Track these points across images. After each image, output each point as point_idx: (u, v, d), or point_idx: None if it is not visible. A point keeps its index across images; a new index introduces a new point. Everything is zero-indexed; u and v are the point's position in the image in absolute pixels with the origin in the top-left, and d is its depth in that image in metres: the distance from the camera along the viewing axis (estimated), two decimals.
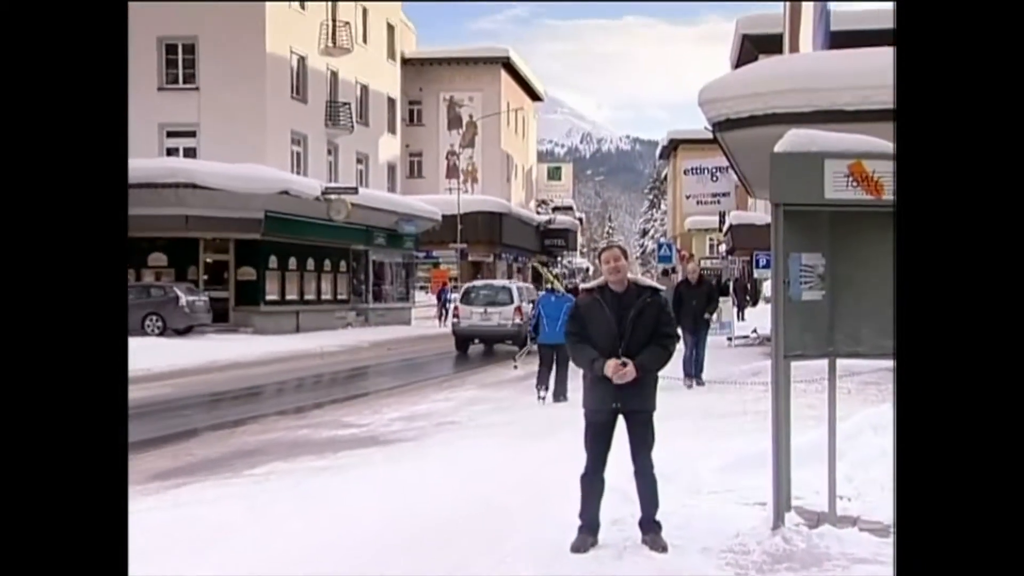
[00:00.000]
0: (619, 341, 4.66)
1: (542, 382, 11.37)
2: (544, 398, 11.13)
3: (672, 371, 10.43)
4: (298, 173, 30.96)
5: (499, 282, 22.23)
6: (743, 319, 28.17)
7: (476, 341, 19.63)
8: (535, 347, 11.46)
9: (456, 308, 20.39)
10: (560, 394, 11.12)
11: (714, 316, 13.14)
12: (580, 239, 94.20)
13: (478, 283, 21.66)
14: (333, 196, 27.36)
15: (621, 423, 4.77)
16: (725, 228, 45.15)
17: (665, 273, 26.05)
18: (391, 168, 43.39)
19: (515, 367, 14.71)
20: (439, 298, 35.35)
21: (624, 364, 4.59)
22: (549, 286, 15.45)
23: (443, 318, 33.84)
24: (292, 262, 27.23)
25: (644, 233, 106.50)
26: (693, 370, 12.06)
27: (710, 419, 9.33)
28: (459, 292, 21.42)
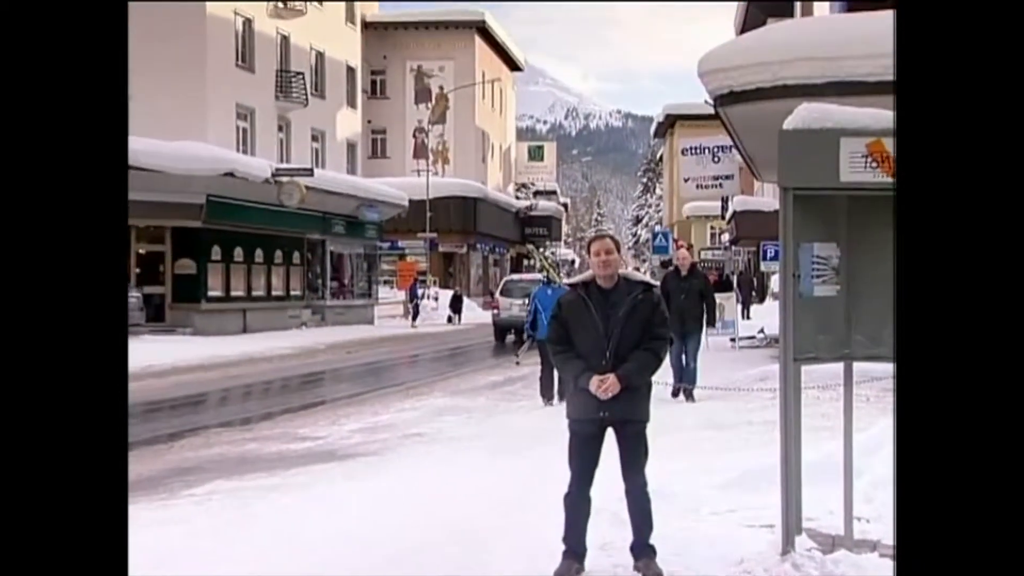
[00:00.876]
0: (606, 344, 4.67)
1: (546, 388, 11.43)
2: (552, 404, 11.18)
3: (667, 376, 10.47)
4: (244, 152, 30.82)
5: (536, 275, 28.84)
6: (748, 317, 28.36)
7: (513, 331, 23.80)
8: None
9: (496, 300, 25.33)
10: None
11: (713, 317, 12.95)
12: (565, 227, 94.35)
13: (515, 277, 28.81)
14: (285, 178, 27.18)
15: (610, 435, 4.77)
16: (728, 215, 45.37)
17: (664, 265, 26.08)
18: (351, 147, 43.27)
19: (517, 363, 15.75)
20: (409, 295, 35.26)
21: (609, 377, 4.60)
22: (545, 276, 15.86)
23: (414, 317, 33.77)
24: (238, 253, 27.03)
25: (637, 221, 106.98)
26: (678, 380, 11.34)
27: (711, 430, 9.37)
28: (498, 285, 28.10)
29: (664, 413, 9.83)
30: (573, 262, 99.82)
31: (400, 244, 43.51)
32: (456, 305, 35.65)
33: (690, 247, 69.60)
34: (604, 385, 4.60)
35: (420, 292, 36.13)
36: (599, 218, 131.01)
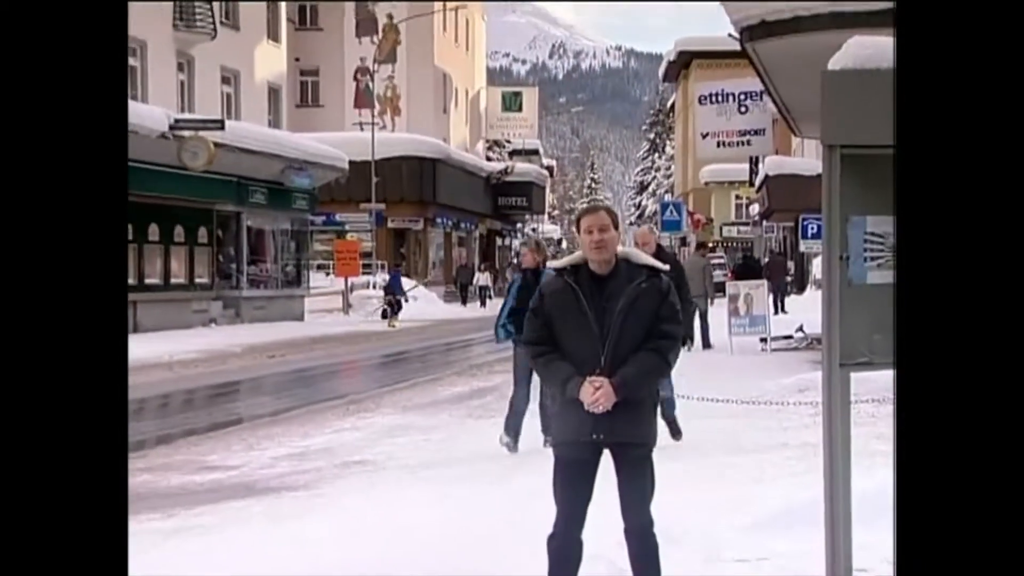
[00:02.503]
0: (601, 346, 4.67)
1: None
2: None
3: (677, 385, 10.51)
4: (133, 98, 30.53)
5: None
6: (782, 311, 28.52)
7: None
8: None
9: None
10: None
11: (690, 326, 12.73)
12: (549, 197, 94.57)
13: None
14: (187, 133, 26.98)
15: (607, 462, 4.79)
16: (758, 181, 45.63)
17: (701, 247, 25.97)
18: (273, 92, 43.06)
19: None
20: (389, 288, 34.75)
21: (603, 384, 4.62)
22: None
23: (395, 314, 33.44)
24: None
25: (642, 188, 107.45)
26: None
27: (735, 455, 9.42)
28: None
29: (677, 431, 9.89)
30: (559, 241, 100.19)
31: (338, 218, 43.52)
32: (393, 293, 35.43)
33: (709, 221, 70.15)
34: (596, 394, 4.60)
35: (403, 286, 35.97)
36: (593, 185, 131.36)
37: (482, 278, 47.56)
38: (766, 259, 38.57)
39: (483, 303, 44.50)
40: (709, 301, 21.16)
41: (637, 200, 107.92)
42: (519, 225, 72.76)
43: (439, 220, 50.26)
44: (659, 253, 10.78)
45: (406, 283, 38.17)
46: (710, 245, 38.93)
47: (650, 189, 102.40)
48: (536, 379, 9.45)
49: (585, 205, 5.19)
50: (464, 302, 46.28)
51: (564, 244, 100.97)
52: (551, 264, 5.14)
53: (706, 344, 20.81)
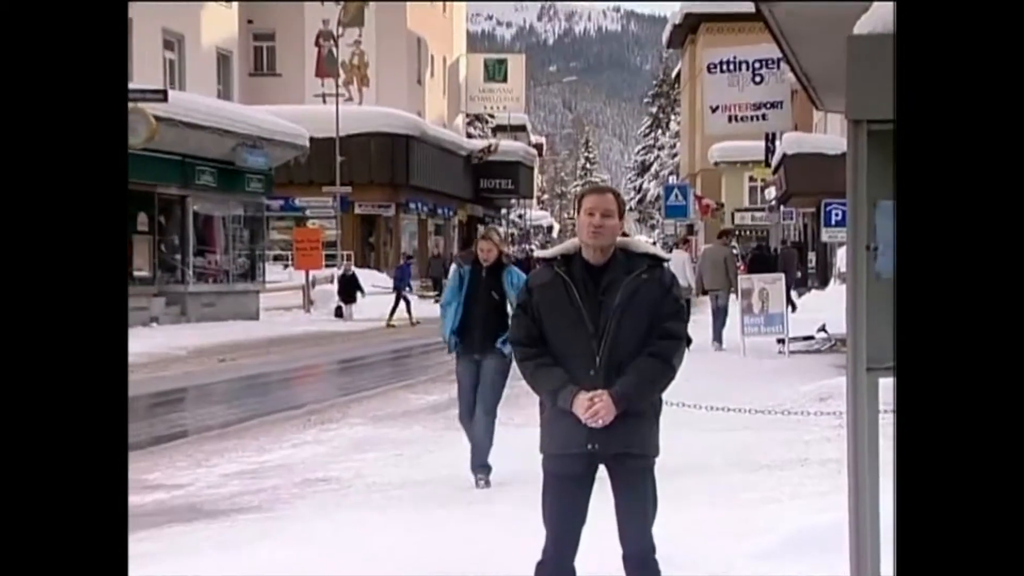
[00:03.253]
0: (596, 346, 4.69)
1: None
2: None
3: (682, 392, 10.54)
4: None
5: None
6: (791, 308, 28.42)
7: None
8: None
9: None
10: None
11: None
12: (538, 179, 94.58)
13: None
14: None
15: (602, 478, 4.80)
16: (775, 161, 45.68)
17: (724, 234, 25.89)
18: (223, 59, 43.01)
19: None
20: (399, 284, 34.40)
21: (601, 396, 4.64)
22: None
23: (406, 311, 33.10)
24: None
25: (643, 169, 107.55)
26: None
27: (748, 471, 9.45)
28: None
29: (681, 444, 9.88)
30: (549, 229, 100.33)
31: (298, 203, 43.38)
32: (349, 290, 35.30)
33: (719, 207, 70.44)
34: (594, 407, 4.61)
35: (410, 281, 35.74)
36: (587, 166, 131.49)
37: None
38: (778, 250, 38.54)
39: None
40: (732, 294, 21.26)
41: (637, 183, 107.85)
42: (504, 211, 72.75)
43: (413, 205, 50.23)
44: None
45: (371, 277, 38.16)
46: (733, 231, 38.76)
47: (652, 170, 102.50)
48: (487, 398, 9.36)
49: (585, 186, 5.20)
50: (438, 298, 46.22)
51: (556, 232, 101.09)
52: (539, 254, 5.14)
53: (716, 337, 20.88)
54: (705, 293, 22.15)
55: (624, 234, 5.02)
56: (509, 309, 8.57)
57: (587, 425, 4.66)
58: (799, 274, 32.13)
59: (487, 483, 9.33)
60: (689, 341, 5.06)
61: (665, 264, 4.91)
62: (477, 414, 9.34)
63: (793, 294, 30.47)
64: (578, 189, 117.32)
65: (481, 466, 9.40)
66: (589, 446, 4.70)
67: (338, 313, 34.96)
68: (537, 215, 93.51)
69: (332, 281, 38.03)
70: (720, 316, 21.38)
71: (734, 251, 25.41)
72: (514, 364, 5.41)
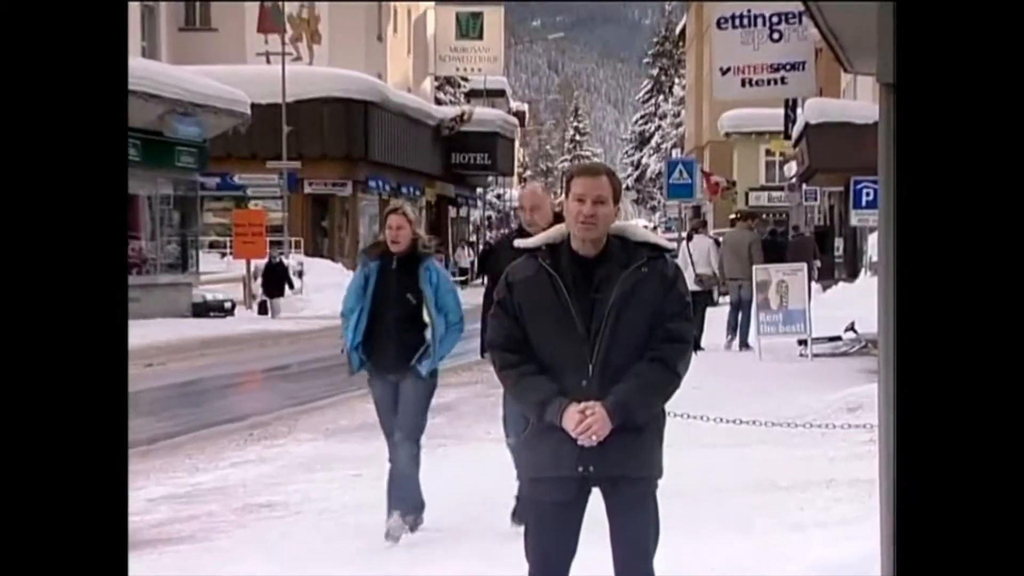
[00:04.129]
0: (589, 351, 4.68)
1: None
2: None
3: (688, 402, 10.57)
4: None
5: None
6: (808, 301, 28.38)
7: None
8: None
9: None
10: None
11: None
12: (519, 153, 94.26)
13: None
14: None
15: (595, 503, 4.80)
16: (796, 132, 45.74)
17: (748, 218, 25.72)
18: (148, 11, 42.74)
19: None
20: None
21: (594, 408, 4.63)
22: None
23: None
24: None
25: (642, 141, 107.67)
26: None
27: (765, 493, 9.47)
28: None
29: (687, 463, 9.86)
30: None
31: (237, 180, 43.24)
32: (276, 282, 35.09)
33: (731, 185, 70.10)
34: (586, 421, 4.61)
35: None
36: (577, 137, 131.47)
37: None
38: (791, 235, 38.47)
39: None
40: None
41: (635, 157, 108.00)
42: (479, 191, 72.71)
43: (373, 184, 50.14)
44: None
45: (323, 268, 38.02)
46: (755, 214, 38.61)
47: (653, 142, 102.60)
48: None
49: (582, 163, 5.15)
50: None
51: None
52: (520, 242, 5.07)
53: (743, 342, 20.95)
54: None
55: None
56: (427, 316, 8.30)
57: (577, 444, 4.65)
58: (818, 265, 31.97)
59: (412, 527, 8.49)
60: (697, 345, 5.07)
61: (668, 255, 4.88)
62: (397, 440, 8.54)
63: (816, 287, 30.45)
64: (566, 165, 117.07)
65: (404, 508, 8.50)
66: (580, 468, 4.69)
67: (262, 310, 34.65)
68: (517, 194, 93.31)
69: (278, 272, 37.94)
70: (744, 311, 21.43)
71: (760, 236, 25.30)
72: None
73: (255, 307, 36.02)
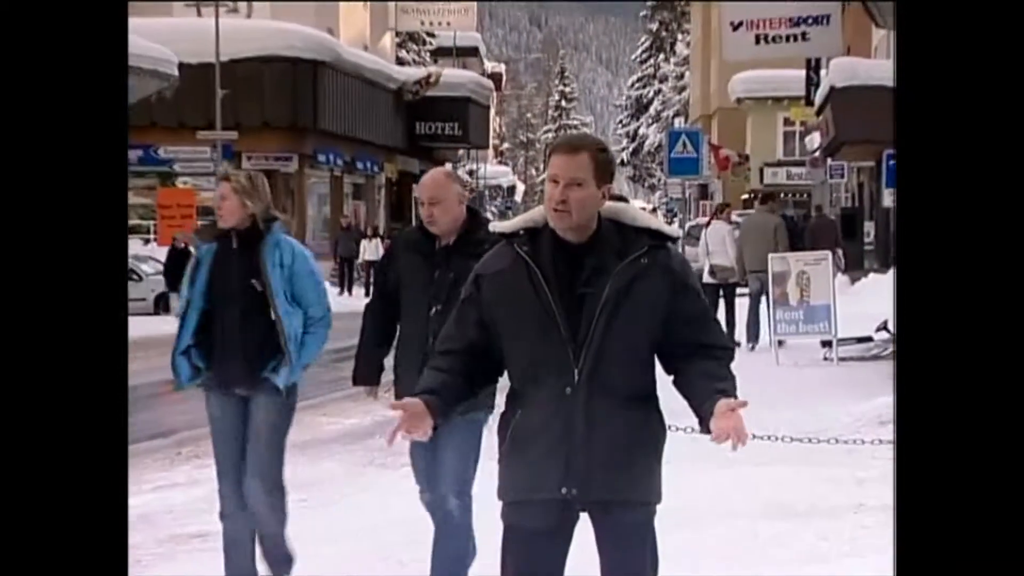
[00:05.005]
0: (575, 357, 4.69)
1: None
2: None
3: (688, 411, 10.59)
4: None
5: None
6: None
7: None
8: None
9: None
10: None
11: None
12: (495, 122, 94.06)
13: None
14: None
15: (583, 529, 4.82)
16: (819, 97, 45.79)
17: (769, 199, 25.55)
18: None
19: None
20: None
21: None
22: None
23: None
24: None
25: (639, 108, 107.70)
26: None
27: (782, 520, 9.49)
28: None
29: (692, 484, 9.87)
30: (511, 190, 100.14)
31: (162, 154, 43.16)
32: (179, 272, 34.46)
33: (743, 160, 70.16)
34: (738, 423, 4.72)
35: None
36: (563, 104, 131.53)
37: (370, 249, 44.94)
38: (811, 221, 38.42)
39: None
40: None
41: (631, 127, 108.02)
42: (448, 165, 72.55)
43: (323, 158, 50.07)
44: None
45: None
46: (778, 195, 38.58)
47: (651, 110, 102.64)
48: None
49: (563, 136, 5.12)
50: (346, 287, 44.50)
51: (520, 195, 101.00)
52: (495, 226, 5.05)
53: (753, 336, 21.04)
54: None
55: (620, 198, 5.00)
56: (281, 309, 7.44)
57: (561, 463, 4.68)
58: (842, 253, 31.94)
59: None
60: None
61: (672, 244, 4.86)
62: (248, 484, 7.77)
63: (843, 279, 30.46)
64: (550, 137, 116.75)
65: (276, 561, 8.07)
66: (564, 490, 4.71)
67: (159, 305, 33.68)
68: (495, 172, 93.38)
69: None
70: (752, 304, 21.50)
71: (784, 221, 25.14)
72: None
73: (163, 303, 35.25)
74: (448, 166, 59.29)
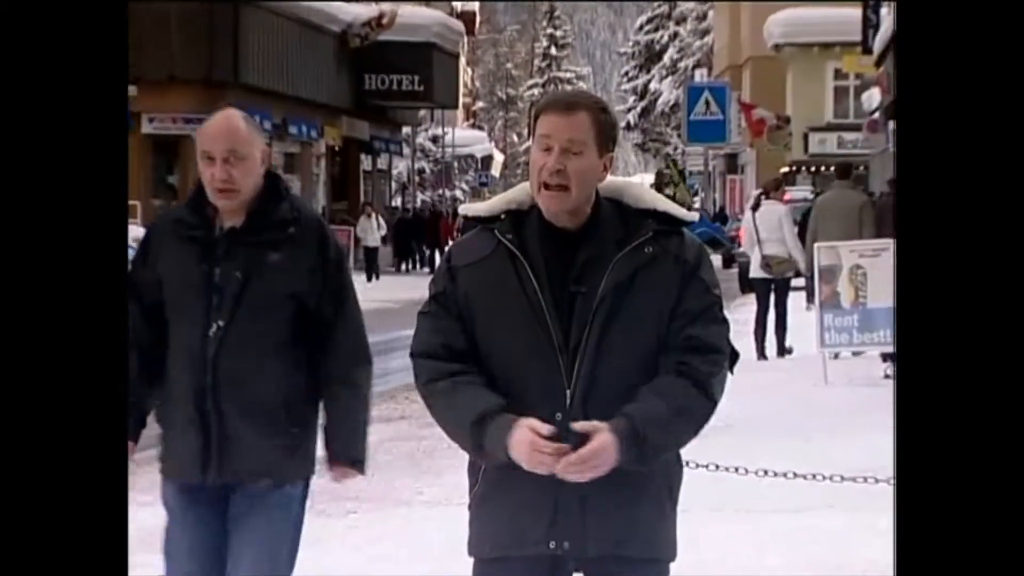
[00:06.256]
0: (567, 369, 4.72)
1: None
2: None
3: (716, 443, 10.64)
4: None
5: None
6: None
7: None
8: None
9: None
10: None
11: None
12: (466, 75, 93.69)
13: None
14: None
15: None
16: (879, 44, 45.92)
17: (846, 172, 25.34)
18: None
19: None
20: None
21: (572, 438, 4.63)
22: (669, 194, 16.10)
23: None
24: None
25: (650, 58, 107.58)
26: None
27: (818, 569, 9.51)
28: None
29: (716, 537, 9.88)
30: (486, 162, 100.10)
31: None
32: None
33: (782, 124, 70.57)
34: (583, 450, 4.59)
35: None
36: (554, 51, 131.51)
37: None
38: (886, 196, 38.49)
39: None
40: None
41: (640, 81, 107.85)
42: (406, 131, 72.59)
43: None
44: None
45: None
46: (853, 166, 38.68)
47: (666, 59, 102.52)
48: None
49: (555, 92, 5.09)
50: None
51: (498, 169, 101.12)
52: (466, 209, 5.03)
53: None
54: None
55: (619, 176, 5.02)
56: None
57: (549, 508, 4.70)
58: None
59: None
60: (735, 358, 4.95)
61: (686, 229, 4.89)
62: None
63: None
64: (536, 95, 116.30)
65: None
66: (553, 544, 4.75)
67: None
68: (466, 138, 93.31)
69: None
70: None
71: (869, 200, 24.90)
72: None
73: None
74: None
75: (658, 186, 28.39)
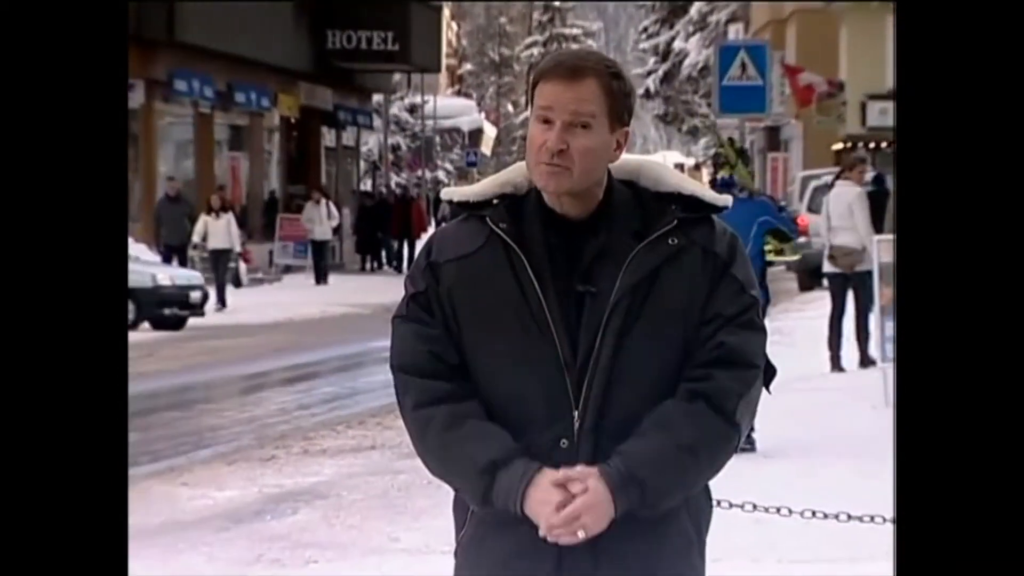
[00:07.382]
0: (575, 389, 4.72)
1: None
2: None
3: (751, 477, 10.71)
4: None
5: None
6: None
7: None
8: None
9: None
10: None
11: None
12: (450, 33, 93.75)
13: None
14: None
15: None
16: None
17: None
18: None
19: None
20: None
21: (586, 478, 4.64)
22: (725, 176, 17.79)
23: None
24: None
25: (673, 11, 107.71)
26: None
27: None
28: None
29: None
30: (474, 135, 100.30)
31: None
32: None
33: (835, 90, 71.29)
34: (573, 507, 4.60)
35: None
36: (557, 6, 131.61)
37: (215, 230, 43.67)
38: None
39: (234, 286, 43.79)
40: None
41: (661, 39, 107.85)
42: (378, 99, 72.62)
43: (183, 86, 50.20)
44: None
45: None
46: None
47: (692, 12, 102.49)
48: None
49: (558, 54, 4.97)
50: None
51: (488, 145, 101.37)
52: (450, 193, 4.97)
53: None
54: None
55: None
56: None
57: (554, 543, 4.69)
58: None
59: None
60: (771, 374, 4.90)
61: (717, 216, 4.88)
62: None
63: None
64: (534, 56, 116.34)
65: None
66: None
67: None
68: (450, 107, 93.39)
69: None
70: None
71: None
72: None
73: None
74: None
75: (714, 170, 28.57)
